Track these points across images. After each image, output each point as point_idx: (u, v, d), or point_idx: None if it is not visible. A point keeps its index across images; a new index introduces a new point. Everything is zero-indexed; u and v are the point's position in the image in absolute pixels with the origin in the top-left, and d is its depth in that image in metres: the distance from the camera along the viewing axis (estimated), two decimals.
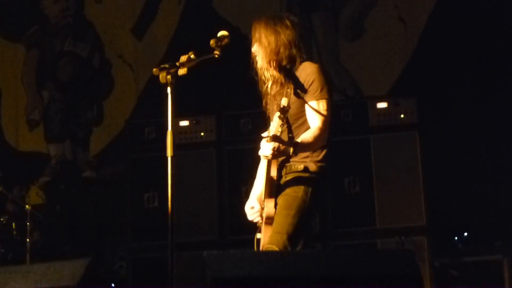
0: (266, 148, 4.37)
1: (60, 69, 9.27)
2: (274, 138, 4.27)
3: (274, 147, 4.33)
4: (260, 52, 4.65)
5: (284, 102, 4.35)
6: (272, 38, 4.63)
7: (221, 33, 4.56)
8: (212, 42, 4.51)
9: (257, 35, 4.67)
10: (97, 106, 9.11)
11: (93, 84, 9.19)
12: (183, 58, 4.41)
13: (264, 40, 4.63)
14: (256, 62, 4.70)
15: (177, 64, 4.38)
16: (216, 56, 4.48)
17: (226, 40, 4.52)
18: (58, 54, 9.33)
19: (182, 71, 4.39)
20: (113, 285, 7.54)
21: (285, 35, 4.63)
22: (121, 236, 7.79)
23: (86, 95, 9.18)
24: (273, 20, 4.68)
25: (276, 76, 4.64)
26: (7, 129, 9.35)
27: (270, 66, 4.63)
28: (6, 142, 9.28)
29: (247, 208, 4.69)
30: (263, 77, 4.69)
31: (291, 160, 4.54)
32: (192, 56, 4.42)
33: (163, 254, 6.67)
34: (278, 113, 4.33)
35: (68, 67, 9.25)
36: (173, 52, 8.63)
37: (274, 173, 4.45)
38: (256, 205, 4.68)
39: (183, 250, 6.91)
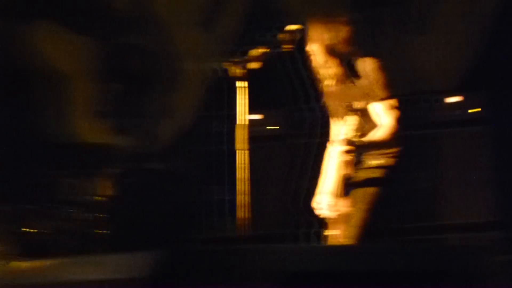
0: (345, 151, 4.37)
1: (128, 60, 9.36)
2: (351, 142, 4.27)
3: (352, 150, 4.33)
4: (317, 50, 4.63)
5: (358, 104, 4.34)
6: (332, 35, 4.61)
7: (292, 26, 4.56)
8: (283, 35, 4.52)
9: (314, 32, 4.66)
10: (165, 98, 9.18)
11: (161, 76, 9.25)
12: (254, 52, 4.43)
13: (323, 37, 4.62)
14: (312, 60, 4.68)
15: (248, 57, 4.40)
16: (287, 50, 4.49)
17: (297, 33, 4.53)
18: (126, 46, 9.41)
19: (252, 65, 4.41)
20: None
21: (344, 31, 4.62)
22: (189, 229, 7.85)
23: (154, 87, 9.25)
24: (331, 17, 4.67)
25: (337, 74, 4.63)
26: (76, 120, 9.46)
27: (329, 64, 4.62)
28: (75, 133, 9.40)
29: (317, 203, 4.71)
30: (320, 75, 4.68)
31: (364, 155, 4.54)
32: (263, 49, 4.44)
33: (233, 247, 6.74)
34: (350, 114, 4.32)
35: (136, 58, 9.34)
36: (239, 45, 8.65)
37: (346, 168, 4.45)
38: (325, 200, 4.69)
39: (253, 242, 6.93)
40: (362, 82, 4.44)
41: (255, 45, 4.53)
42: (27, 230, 7.74)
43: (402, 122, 4.47)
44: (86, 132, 9.36)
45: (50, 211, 7.87)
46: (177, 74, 9.17)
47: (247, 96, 4.46)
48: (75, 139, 9.27)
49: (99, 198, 7.93)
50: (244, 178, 4.51)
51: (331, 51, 4.52)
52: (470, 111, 7.04)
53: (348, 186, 4.37)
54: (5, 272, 4.66)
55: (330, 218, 4.55)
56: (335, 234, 4.37)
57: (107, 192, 8.31)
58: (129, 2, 9.45)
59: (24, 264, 4.75)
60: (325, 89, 4.65)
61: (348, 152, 4.19)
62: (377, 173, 4.37)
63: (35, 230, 7.76)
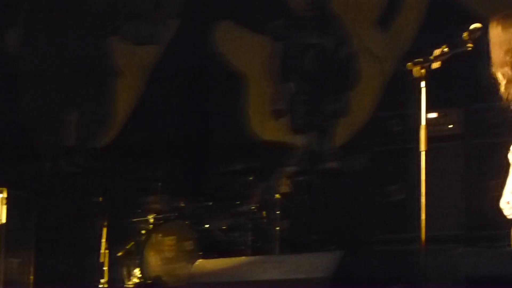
0: None
1: (306, 61, 9.42)
2: None
3: None
4: (498, 49, 4.54)
5: None
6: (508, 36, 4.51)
7: (474, 25, 4.48)
8: (465, 35, 4.45)
9: (495, 31, 4.56)
10: (342, 98, 9.18)
11: (338, 76, 9.26)
12: (437, 52, 4.39)
13: (504, 36, 4.51)
14: (492, 60, 4.59)
15: (431, 57, 4.36)
16: (469, 49, 4.42)
17: (479, 32, 4.45)
18: (304, 46, 9.47)
19: (435, 65, 4.37)
20: None
21: None
22: (368, 229, 7.82)
23: (332, 87, 9.27)
24: (507, 18, 4.56)
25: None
26: (254, 118, 9.61)
27: (510, 63, 4.52)
28: (253, 131, 9.54)
29: (503, 203, 4.60)
30: (500, 75, 4.59)
31: None
32: (445, 49, 4.39)
33: (408, 247, 6.67)
34: None
35: (314, 59, 9.38)
36: (419, 45, 8.54)
37: None
38: None
39: (429, 244, 6.84)
40: None
41: (436, 44, 4.48)
42: (209, 229, 7.91)
43: None
44: (264, 131, 9.49)
45: (230, 209, 8.02)
46: (355, 74, 9.15)
47: (427, 96, 4.43)
48: (253, 138, 9.42)
49: (278, 196, 8.01)
50: (424, 178, 4.47)
51: (503, 54, 4.42)
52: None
53: None
54: (190, 271, 4.79)
55: None
56: None
57: (285, 191, 8.40)
58: (307, 2, 9.51)
59: (208, 263, 4.86)
60: (505, 89, 4.56)
61: None
62: None
63: (217, 229, 7.93)
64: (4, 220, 8.36)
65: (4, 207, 8.38)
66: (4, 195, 8.39)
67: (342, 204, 8.24)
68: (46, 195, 9.07)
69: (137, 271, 7.86)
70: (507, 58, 4.54)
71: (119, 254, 8.31)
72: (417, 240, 5.00)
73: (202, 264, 4.83)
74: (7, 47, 10.29)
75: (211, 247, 7.55)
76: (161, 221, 7.99)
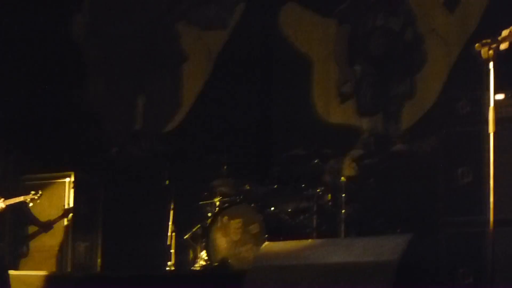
0: None
1: (372, 43, 9.35)
2: None
3: None
4: None
5: None
6: None
7: None
8: None
9: None
10: (409, 80, 9.10)
11: (405, 58, 9.17)
12: (505, 32, 4.31)
13: None
14: None
15: (499, 38, 4.29)
16: None
17: None
18: (370, 28, 9.40)
19: (503, 46, 4.29)
20: None
21: None
22: (435, 212, 7.74)
23: (398, 69, 9.18)
24: None
25: None
26: (319, 101, 9.58)
27: None
28: (318, 114, 9.51)
29: None
30: None
31: None
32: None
33: (477, 230, 6.59)
34: None
35: (380, 41, 9.31)
36: (486, 25, 8.42)
37: None
38: None
39: (497, 226, 6.74)
40: None
41: (505, 25, 4.41)
42: (275, 212, 7.92)
43: None
44: (330, 114, 9.46)
45: (296, 192, 8.01)
46: (422, 55, 9.06)
47: (495, 77, 4.36)
48: (321, 121, 9.38)
49: (343, 179, 7.99)
50: (493, 160, 4.41)
51: None
52: None
53: None
54: (257, 254, 4.79)
55: None
56: None
57: (351, 174, 8.37)
58: None
59: (275, 246, 4.87)
60: None
61: None
62: None
63: (283, 212, 7.94)
64: (72, 204, 8.49)
65: (72, 192, 8.51)
66: (72, 179, 8.52)
67: (409, 186, 8.17)
68: (113, 179, 9.17)
69: (203, 254, 7.91)
70: None
71: (186, 237, 8.37)
72: (485, 223, 4.94)
73: (269, 246, 4.84)
74: (75, 33, 10.41)
75: (277, 230, 7.56)
76: (227, 204, 8.02)
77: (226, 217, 7.84)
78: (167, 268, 8.22)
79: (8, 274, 7.01)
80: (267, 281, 4.32)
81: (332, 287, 4.22)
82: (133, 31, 10.26)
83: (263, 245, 4.85)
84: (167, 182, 8.48)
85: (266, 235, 7.42)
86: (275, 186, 8.09)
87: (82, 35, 10.43)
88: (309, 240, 6.39)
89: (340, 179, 8.01)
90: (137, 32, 10.23)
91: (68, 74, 10.08)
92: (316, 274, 4.31)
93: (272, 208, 7.94)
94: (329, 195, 7.97)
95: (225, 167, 8.22)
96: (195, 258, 8.18)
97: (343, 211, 7.80)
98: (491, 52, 4.22)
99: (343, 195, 7.87)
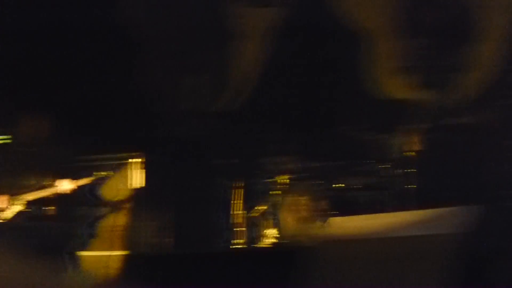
0: None
1: (432, 14, 9.26)
2: None
3: None
4: None
5: None
6: None
7: None
8: None
9: None
10: (469, 51, 8.98)
11: (465, 29, 9.05)
12: None
13: None
14: None
15: None
16: None
17: None
18: None
19: None
20: None
21: None
22: (497, 183, 7.68)
23: (459, 40, 9.07)
24: None
25: None
26: (380, 75, 9.51)
27: None
28: (381, 88, 9.46)
29: None
30: None
31: None
32: None
33: None
34: None
35: (440, 12, 9.21)
36: None
37: None
38: None
39: None
40: None
41: None
42: (343, 188, 7.93)
43: None
44: (392, 88, 9.41)
45: (363, 168, 8.01)
46: (482, 26, 8.95)
47: None
48: (382, 95, 9.34)
49: (409, 154, 7.96)
50: None
51: None
52: None
53: None
54: (325, 229, 4.83)
55: None
56: None
57: (416, 148, 8.33)
58: None
59: (343, 221, 4.90)
60: None
61: None
62: None
63: (350, 188, 7.94)
64: (140, 184, 8.60)
65: (143, 172, 8.62)
66: (142, 159, 8.63)
67: (474, 159, 8.11)
68: (182, 158, 9.25)
69: (272, 232, 7.96)
70: None
71: (253, 215, 8.43)
72: None
73: (336, 221, 4.87)
74: (127, 13, 10.47)
75: (345, 206, 7.57)
76: (295, 182, 8.05)
77: (293, 195, 7.88)
78: (236, 246, 8.29)
79: (70, 254, 7.13)
80: (336, 256, 4.35)
81: (400, 260, 4.24)
82: (186, 9, 10.30)
83: (331, 220, 4.89)
84: (235, 160, 8.54)
85: (334, 212, 7.44)
86: (343, 162, 8.09)
87: (135, 14, 10.49)
88: (377, 214, 6.40)
89: (406, 153, 7.98)
90: (189, 10, 10.25)
91: (128, 52, 10.16)
92: (385, 248, 4.33)
93: (340, 184, 7.95)
94: (396, 170, 7.95)
95: (290, 144, 8.24)
96: (264, 236, 8.24)
97: (410, 185, 7.77)
98: None
99: (410, 169, 7.84)
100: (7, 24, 9.52)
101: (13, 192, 7.82)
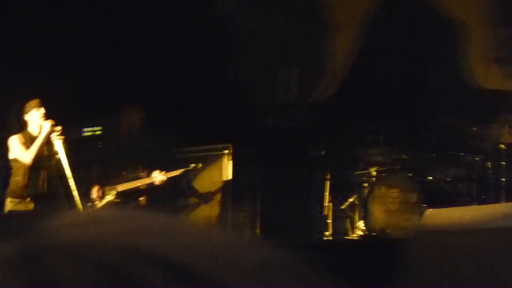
0: None
1: None
2: None
3: None
4: None
5: None
6: None
7: None
8: None
9: None
10: None
11: None
12: None
13: None
14: None
15: None
16: None
17: None
18: None
19: None
20: None
21: None
22: None
23: None
24: None
25: None
26: (475, 66, 9.38)
27: None
28: (475, 79, 9.32)
29: None
30: None
31: None
32: None
33: None
34: None
35: None
36: None
37: None
38: None
39: None
40: None
41: None
42: (433, 180, 7.84)
43: None
44: (488, 79, 9.26)
45: (454, 160, 7.91)
46: None
47: None
48: (479, 86, 9.20)
49: (502, 146, 7.82)
50: None
51: None
52: None
53: None
54: (422, 221, 4.79)
55: None
56: None
57: (509, 140, 8.17)
58: None
59: (439, 213, 4.84)
60: None
61: None
62: None
63: (441, 180, 7.84)
64: (231, 176, 8.65)
65: (230, 163, 8.68)
66: (230, 151, 8.68)
67: None
68: (270, 150, 9.28)
69: (360, 224, 7.93)
70: None
71: (343, 207, 8.41)
72: None
73: (431, 213, 4.81)
74: (221, 6, 10.53)
75: (435, 199, 7.48)
76: (384, 174, 8.00)
77: (383, 187, 7.83)
78: (324, 238, 8.29)
79: None
80: (431, 248, 4.30)
81: (497, 252, 4.18)
82: (279, 1, 10.31)
83: (425, 212, 4.83)
84: (323, 152, 8.53)
85: (424, 204, 7.37)
86: (433, 155, 8.00)
87: (229, 7, 10.55)
88: (472, 206, 6.30)
89: (499, 145, 7.84)
90: (283, 2, 10.26)
91: (220, 45, 10.23)
92: (481, 240, 4.27)
93: (430, 177, 7.87)
94: (488, 163, 7.83)
95: (381, 136, 8.19)
96: (352, 227, 8.21)
97: (502, 178, 7.64)
98: None
99: (502, 162, 7.71)
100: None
101: (106, 183, 7.95)
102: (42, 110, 7.20)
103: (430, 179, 7.83)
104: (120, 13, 9.81)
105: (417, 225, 4.78)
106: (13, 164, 7.21)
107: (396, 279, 4.34)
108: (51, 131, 7.14)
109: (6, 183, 7.31)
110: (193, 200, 8.81)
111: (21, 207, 7.03)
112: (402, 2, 9.59)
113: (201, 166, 8.11)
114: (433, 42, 9.53)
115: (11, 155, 7.21)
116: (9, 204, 7.11)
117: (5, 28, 9.08)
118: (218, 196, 8.65)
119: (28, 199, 7.13)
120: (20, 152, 7.12)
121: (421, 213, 6.02)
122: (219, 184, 8.64)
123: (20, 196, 7.13)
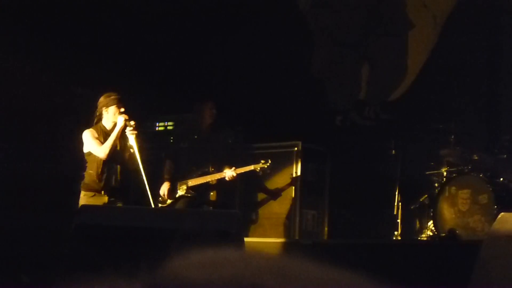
0: None
1: None
2: None
3: None
4: None
5: None
6: None
7: None
8: None
9: None
10: None
11: None
12: None
13: None
14: None
15: None
16: None
17: None
18: None
19: None
20: None
21: None
22: None
23: None
24: None
25: None
26: None
27: None
28: None
29: None
30: None
31: None
32: None
33: None
34: None
35: None
36: None
37: None
38: None
39: None
40: None
41: None
42: (504, 182, 7.71)
43: None
44: None
45: None
46: None
47: None
48: None
49: None
50: None
51: None
52: None
53: None
54: (496, 224, 4.73)
55: None
56: None
57: None
58: None
59: (506, 217, 4.78)
60: None
61: None
62: None
63: None
64: (299, 173, 8.67)
65: (300, 160, 8.69)
66: (299, 148, 8.70)
67: None
68: (339, 148, 9.27)
69: (430, 224, 7.86)
70: None
71: (413, 207, 8.36)
72: None
73: (506, 216, 4.75)
74: (300, 2, 10.54)
75: (507, 201, 7.39)
76: (455, 174, 7.93)
77: (454, 187, 7.76)
78: (394, 237, 8.24)
79: None
80: (506, 251, 4.26)
81: None
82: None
83: (500, 215, 4.76)
84: (393, 151, 8.49)
85: (496, 206, 7.28)
86: (505, 156, 7.89)
87: (308, 4, 10.54)
88: None
89: None
90: (360, 0, 10.22)
91: (294, 43, 10.24)
92: None
93: (502, 179, 7.77)
94: None
95: (452, 136, 8.10)
96: (422, 228, 8.16)
97: None
98: None
99: None
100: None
101: (176, 178, 8.03)
102: (117, 105, 7.28)
103: (501, 181, 7.73)
104: (197, 11, 9.91)
105: (492, 227, 4.72)
106: (87, 157, 7.30)
107: (465, 281, 4.32)
108: (125, 126, 7.23)
109: (80, 177, 7.40)
110: (262, 196, 8.85)
111: (95, 201, 7.13)
112: (480, 4, 9.46)
113: (270, 163, 8.11)
114: (510, 43, 9.39)
115: (85, 149, 7.29)
116: (84, 197, 7.21)
117: (85, 25, 9.26)
118: (287, 193, 8.68)
119: (103, 192, 7.22)
120: (94, 146, 7.21)
121: (493, 216, 5.95)
122: (288, 181, 8.66)
123: (94, 189, 7.22)
